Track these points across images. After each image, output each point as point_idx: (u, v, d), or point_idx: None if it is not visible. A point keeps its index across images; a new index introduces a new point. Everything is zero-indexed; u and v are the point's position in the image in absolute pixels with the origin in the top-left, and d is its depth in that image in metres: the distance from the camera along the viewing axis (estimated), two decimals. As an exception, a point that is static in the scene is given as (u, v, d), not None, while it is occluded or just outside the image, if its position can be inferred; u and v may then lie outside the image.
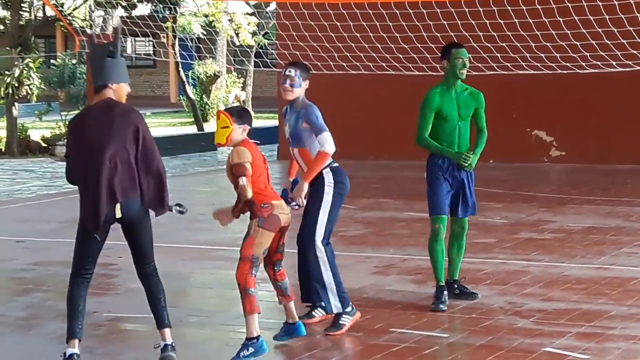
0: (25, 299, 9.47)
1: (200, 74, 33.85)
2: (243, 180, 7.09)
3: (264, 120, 32.52)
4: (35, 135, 25.06)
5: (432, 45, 14.68)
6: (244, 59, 33.91)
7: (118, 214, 6.73)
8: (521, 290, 9.16)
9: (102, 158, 6.70)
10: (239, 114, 7.32)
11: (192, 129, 29.32)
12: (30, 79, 23.76)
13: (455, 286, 8.84)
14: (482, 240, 11.61)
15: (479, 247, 11.19)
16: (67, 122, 24.07)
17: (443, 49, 8.81)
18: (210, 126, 30.26)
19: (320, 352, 7.46)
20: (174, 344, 6.94)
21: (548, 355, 7.18)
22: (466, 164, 8.59)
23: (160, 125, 32.21)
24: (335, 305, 7.90)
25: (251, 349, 7.10)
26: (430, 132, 8.62)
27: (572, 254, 10.79)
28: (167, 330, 6.99)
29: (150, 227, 6.96)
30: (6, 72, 23.50)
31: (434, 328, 7.99)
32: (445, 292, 8.54)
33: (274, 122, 25.78)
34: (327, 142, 7.84)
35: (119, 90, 6.89)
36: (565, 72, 14.64)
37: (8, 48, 24.21)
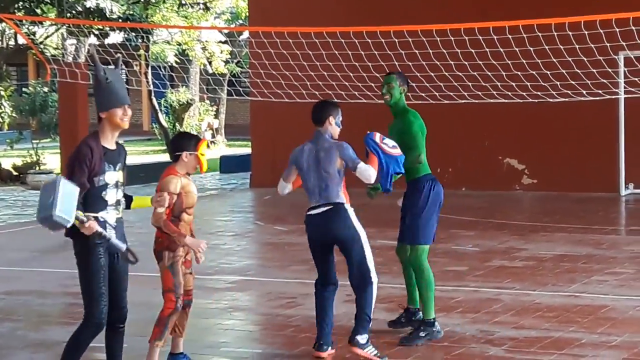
0: (-5, 328, 9.39)
1: (173, 102, 33.83)
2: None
3: (237, 149, 32.53)
4: (7, 163, 24.94)
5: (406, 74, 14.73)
6: (216, 87, 33.92)
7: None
8: (493, 318, 9.17)
9: None
10: (195, 142, 7.43)
11: (165, 157, 29.26)
12: (2, 107, 23.68)
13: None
14: (454, 268, 11.63)
15: (451, 275, 11.21)
16: (37, 150, 23.98)
17: None
18: (183, 154, 30.23)
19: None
20: None
21: (520, 384, 7.19)
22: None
23: (133, 153, 32.09)
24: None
25: None
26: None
27: (543, 281, 10.81)
28: None
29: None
30: (-23, 101, 23.43)
31: (407, 357, 7.98)
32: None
33: (247, 150, 25.78)
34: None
35: (112, 117, 6.60)
36: (536, 100, 14.74)
37: (-21, 76, 24.15)
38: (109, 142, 6.66)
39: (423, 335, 8.35)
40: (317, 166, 7.88)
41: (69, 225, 6.39)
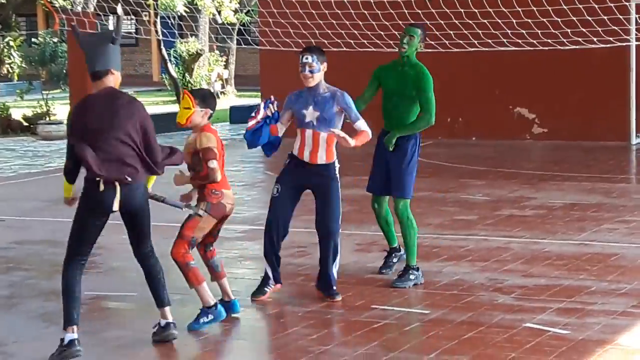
0: (7, 277, 9.45)
1: (182, 52, 33.71)
2: (214, 164, 7.25)
3: (247, 99, 32.46)
4: (17, 114, 24.94)
5: (416, 22, 14.62)
6: (226, 37, 33.81)
7: (115, 207, 6.70)
8: (502, 266, 9.18)
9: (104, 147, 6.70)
10: (203, 97, 7.41)
11: (175, 108, 29.22)
12: (11, 57, 23.64)
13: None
14: (464, 217, 11.63)
15: (461, 224, 11.21)
16: (47, 101, 23.98)
17: None
18: (192, 104, 30.21)
19: (301, 329, 7.47)
20: (174, 322, 7.02)
21: (528, 331, 7.21)
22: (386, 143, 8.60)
23: (144, 104, 32.10)
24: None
25: (210, 316, 7.33)
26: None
27: (553, 230, 10.81)
28: (167, 309, 7.03)
29: (149, 212, 6.95)
30: (-14, 51, 23.38)
31: (415, 305, 8.02)
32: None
33: (257, 101, 25.73)
34: (367, 127, 8.08)
35: (118, 77, 6.76)
36: (546, 48, 14.64)
37: (-12, 26, 24.08)
38: None
39: (413, 278, 8.52)
40: None
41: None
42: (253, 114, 8.00)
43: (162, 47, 29.90)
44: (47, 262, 10.01)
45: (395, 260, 9.03)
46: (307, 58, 8.01)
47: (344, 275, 8.70)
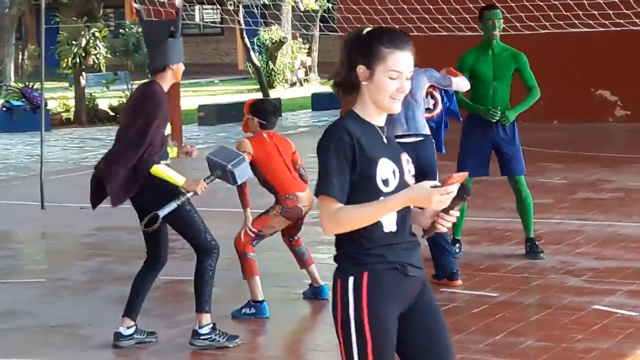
0: (86, 263, 9.72)
1: (265, 40, 33.96)
2: None
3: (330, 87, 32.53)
4: (103, 104, 25.39)
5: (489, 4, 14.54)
6: (309, 24, 33.97)
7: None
8: (574, 249, 9.16)
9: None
10: (255, 107, 7.66)
11: (258, 96, 29.49)
12: (97, 48, 24.03)
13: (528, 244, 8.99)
14: (540, 201, 11.55)
15: (536, 208, 11.06)
16: (132, 90, 24.35)
17: (479, 12, 8.90)
18: (276, 92, 30.42)
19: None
20: (199, 330, 6.77)
21: (596, 313, 7.20)
22: (495, 118, 8.64)
23: (227, 93, 32.44)
24: None
25: (253, 310, 7.45)
26: (470, 93, 8.73)
27: (629, 213, 10.73)
28: (198, 315, 6.80)
29: (177, 217, 6.72)
30: (73, 42, 23.80)
31: (484, 288, 8.05)
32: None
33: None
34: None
35: (178, 71, 6.81)
36: (618, 29, 14.43)
37: (75, 18, 24.51)
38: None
39: (539, 249, 8.80)
40: None
41: (233, 183, 6.94)
42: (431, 107, 8.28)
43: (244, 35, 30.13)
44: (125, 247, 10.25)
45: (459, 245, 9.03)
46: None
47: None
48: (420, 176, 6.98)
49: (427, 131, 8.07)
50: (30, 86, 23.67)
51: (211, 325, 6.75)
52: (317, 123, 22.95)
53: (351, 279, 3.70)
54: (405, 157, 3.80)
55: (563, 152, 15.57)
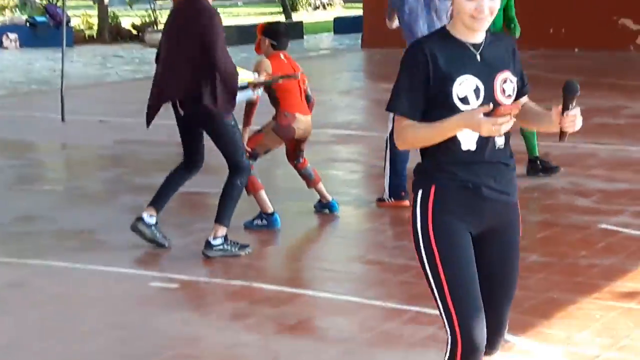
0: (104, 174, 9.87)
1: (290, -36, 33.79)
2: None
3: (353, 10, 32.46)
4: (126, 22, 25.44)
5: None
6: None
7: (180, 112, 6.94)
8: (586, 172, 9.23)
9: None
10: (268, 28, 7.77)
11: (281, 19, 29.45)
12: (120, -34, 24.05)
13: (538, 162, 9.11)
14: (555, 125, 11.62)
15: (551, 133, 11.21)
16: (155, 10, 24.39)
17: None
18: (299, 16, 30.34)
19: (379, 224, 7.68)
20: (212, 242, 6.88)
21: (602, 231, 7.30)
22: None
23: (251, 15, 32.40)
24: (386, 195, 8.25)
25: (265, 221, 7.60)
26: None
27: (644, 138, 10.78)
28: (216, 226, 6.92)
29: (221, 129, 6.87)
30: (97, -40, 23.83)
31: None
32: None
33: (359, 12, 25.76)
34: None
35: None
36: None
37: None
38: None
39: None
40: (428, 9, 8.03)
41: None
42: None
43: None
44: (143, 160, 10.39)
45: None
46: None
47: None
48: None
49: None
50: (54, 3, 23.71)
51: (224, 236, 6.90)
52: (339, 46, 22.94)
53: (420, 192, 3.70)
54: (502, 77, 3.68)
55: (583, 79, 15.51)
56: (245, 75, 7.08)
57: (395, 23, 8.25)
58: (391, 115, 8.13)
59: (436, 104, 3.62)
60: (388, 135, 8.17)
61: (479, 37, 3.70)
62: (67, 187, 9.28)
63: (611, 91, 14.23)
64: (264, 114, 7.81)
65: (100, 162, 10.59)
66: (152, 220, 7.11)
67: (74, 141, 11.74)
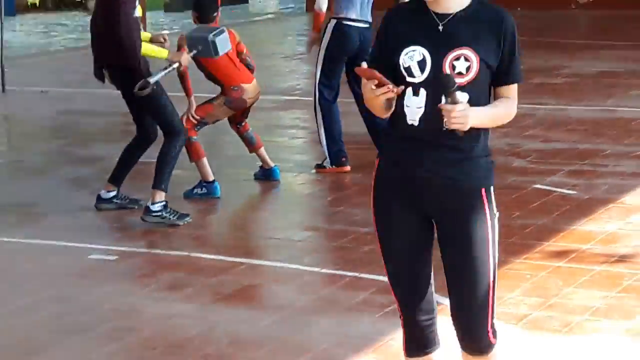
0: (45, 145, 9.84)
1: None
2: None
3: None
4: (69, -11, 25.17)
5: None
6: None
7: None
8: (523, 132, 9.36)
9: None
10: (195, 1, 7.77)
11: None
12: None
13: None
14: (495, 86, 11.74)
15: (490, 92, 11.34)
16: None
17: None
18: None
19: (318, 190, 7.75)
20: (150, 207, 6.93)
21: (536, 192, 7.44)
22: None
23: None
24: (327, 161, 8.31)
25: (205, 190, 7.63)
26: None
27: (580, 97, 10.93)
28: (153, 191, 6.98)
29: (148, 96, 6.89)
30: None
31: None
32: None
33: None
34: None
35: None
36: None
37: None
38: None
39: None
40: None
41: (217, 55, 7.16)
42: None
43: None
44: (84, 131, 10.37)
45: None
46: None
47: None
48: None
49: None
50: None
51: (164, 203, 6.94)
52: (284, 10, 22.91)
53: (376, 162, 3.63)
54: (457, 53, 3.40)
55: (523, 39, 15.59)
56: (161, 52, 7.03)
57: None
58: (317, 80, 8.25)
59: (392, 74, 3.45)
60: (317, 100, 8.25)
61: (455, 6, 3.45)
62: (5, 159, 9.26)
63: (551, 51, 14.37)
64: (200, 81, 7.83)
65: (41, 134, 10.55)
66: (110, 195, 7.29)
67: (13, 112, 11.69)
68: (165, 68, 6.96)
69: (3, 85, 12.67)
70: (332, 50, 8.19)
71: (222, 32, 7.21)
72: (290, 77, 13.53)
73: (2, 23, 13.29)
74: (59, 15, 23.36)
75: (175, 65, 6.97)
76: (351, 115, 8.52)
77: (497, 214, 3.61)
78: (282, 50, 16.04)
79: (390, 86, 3.36)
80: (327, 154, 8.22)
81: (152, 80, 6.85)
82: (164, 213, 6.94)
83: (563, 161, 8.26)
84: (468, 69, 3.42)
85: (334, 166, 8.22)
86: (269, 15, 21.85)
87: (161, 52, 7.01)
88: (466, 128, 3.39)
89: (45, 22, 22.19)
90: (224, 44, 7.18)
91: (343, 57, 8.19)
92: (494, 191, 3.63)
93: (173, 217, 6.97)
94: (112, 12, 6.80)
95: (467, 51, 3.42)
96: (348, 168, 8.20)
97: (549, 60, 13.46)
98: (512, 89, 3.55)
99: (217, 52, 7.14)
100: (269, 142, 9.14)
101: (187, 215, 7.04)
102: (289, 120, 10.82)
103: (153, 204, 6.93)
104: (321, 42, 8.27)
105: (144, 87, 6.84)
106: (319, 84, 8.23)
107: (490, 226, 3.57)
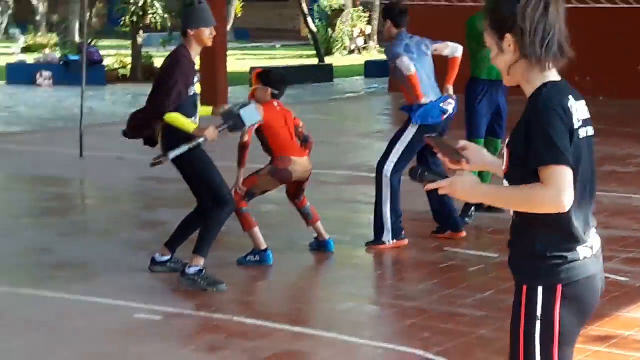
0: (114, 208, 10.04)
1: (325, 8, 34.13)
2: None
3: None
4: (159, 62, 25.77)
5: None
6: (369, -7, 34.10)
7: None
8: (584, 218, 9.27)
9: None
10: (267, 77, 7.94)
11: (311, 61, 29.74)
12: (154, 8, 24.43)
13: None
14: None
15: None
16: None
17: None
18: (333, 59, 30.59)
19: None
20: (187, 271, 7.10)
21: (588, 277, 7.35)
22: None
23: (287, 57, 32.68)
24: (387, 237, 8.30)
25: (257, 257, 7.77)
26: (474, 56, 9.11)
27: (649, 187, 10.83)
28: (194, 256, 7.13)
29: (185, 167, 7.13)
30: (131, 1, 24.22)
31: (487, 249, 8.24)
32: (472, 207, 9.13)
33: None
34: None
35: (200, 35, 7.07)
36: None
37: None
38: (194, 57, 7.11)
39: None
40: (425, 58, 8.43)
41: (245, 127, 7.32)
42: None
43: (302, 2, 30.33)
44: (154, 197, 10.55)
45: (473, 209, 9.22)
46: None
47: (423, 219, 8.97)
48: None
49: None
50: (88, 43, 24.11)
51: (200, 268, 7.06)
52: (367, 90, 23.14)
53: None
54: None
55: (601, 127, 15.53)
56: (189, 125, 7.00)
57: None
58: (392, 163, 8.33)
59: None
60: (386, 173, 8.32)
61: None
62: (73, 220, 9.49)
63: (627, 139, 14.27)
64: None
65: (111, 198, 10.78)
66: (164, 259, 7.47)
67: (88, 176, 11.98)
68: (190, 142, 7.01)
69: (81, 150, 13.00)
70: (415, 143, 8.32)
71: (249, 104, 7.40)
72: (361, 153, 13.62)
73: (82, 92, 13.71)
74: (147, 86, 23.83)
75: (201, 140, 7.00)
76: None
77: (541, 321, 3.36)
78: (359, 128, 16.19)
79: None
80: (388, 228, 8.26)
81: (171, 154, 7.01)
82: (197, 278, 7.05)
83: (620, 248, 8.19)
84: (504, 162, 3.43)
85: (394, 241, 8.25)
86: (350, 95, 22.08)
87: (189, 125, 7.00)
88: (455, 196, 3.45)
89: (133, 92, 22.70)
90: (250, 115, 7.26)
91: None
92: (545, 292, 3.37)
93: (204, 282, 7.05)
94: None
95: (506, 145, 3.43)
96: (406, 242, 8.28)
97: (624, 149, 13.37)
98: (542, 173, 3.29)
99: (244, 124, 7.26)
100: (329, 216, 9.26)
101: (222, 282, 7.10)
102: (353, 194, 10.88)
103: (190, 267, 7.05)
104: (404, 131, 8.40)
105: (160, 162, 7.05)
106: (393, 165, 8.34)
107: (523, 330, 3.40)
